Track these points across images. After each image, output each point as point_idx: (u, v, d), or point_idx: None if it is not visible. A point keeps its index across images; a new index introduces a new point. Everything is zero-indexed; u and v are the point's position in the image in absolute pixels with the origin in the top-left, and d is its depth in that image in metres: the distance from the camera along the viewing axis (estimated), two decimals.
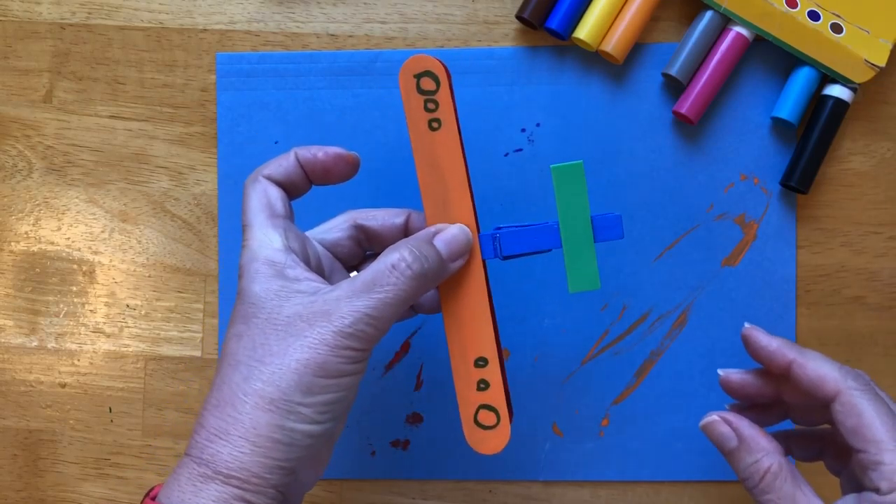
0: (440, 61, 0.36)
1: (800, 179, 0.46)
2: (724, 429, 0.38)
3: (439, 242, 0.36)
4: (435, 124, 0.36)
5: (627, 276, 0.48)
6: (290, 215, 0.37)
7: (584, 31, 0.46)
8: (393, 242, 0.36)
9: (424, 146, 0.37)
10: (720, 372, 0.41)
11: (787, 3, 0.45)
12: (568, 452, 0.48)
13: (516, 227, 0.37)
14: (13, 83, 0.49)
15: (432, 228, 0.37)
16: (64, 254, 0.49)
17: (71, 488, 0.49)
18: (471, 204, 0.37)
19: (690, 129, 0.48)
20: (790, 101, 0.46)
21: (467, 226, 0.37)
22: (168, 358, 0.49)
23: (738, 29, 0.46)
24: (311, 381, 0.32)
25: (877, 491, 0.34)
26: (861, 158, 0.48)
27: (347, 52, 0.48)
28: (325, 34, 0.48)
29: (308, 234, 0.39)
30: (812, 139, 0.46)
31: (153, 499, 0.32)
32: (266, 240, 0.35)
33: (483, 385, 0.37)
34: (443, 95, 0.36)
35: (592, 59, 0.48)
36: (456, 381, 0.37)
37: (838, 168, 0.48)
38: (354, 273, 0.40)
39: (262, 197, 0.36)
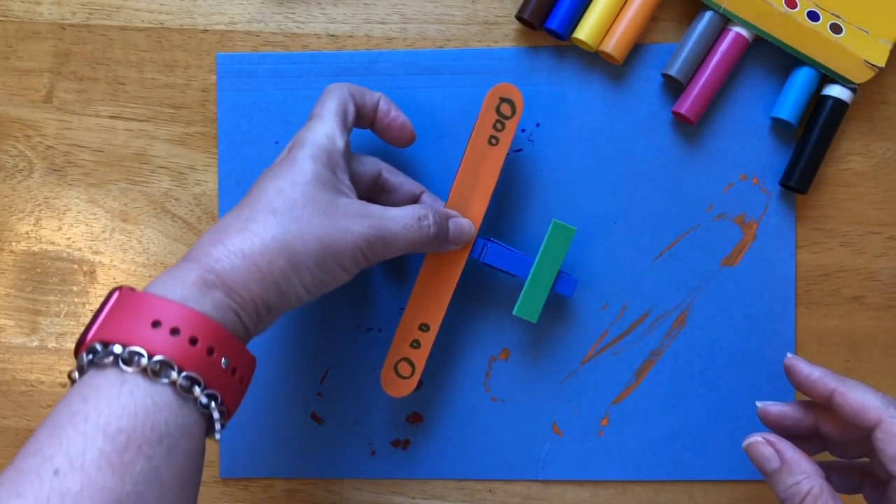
0: (522, 98, 0.44)
1: (799, 179, 0.46)
2: (767, 450, 0.38)
3: (453, 225, 0.42)
4: (494, 141, 0.43)
5: (627, 276, 0.48)
6: (350, 132, 0.42)
7: (584, 31, 0.46)
8: (400, 205, 0.41)
9: (477, 152, 0.43)
10: (758, 404, 0.42)
11: (786, 4, 0.45)
12: (568, 452, 0.48)
13: (504, 246, 0.45)
14: (14, 83, 0.49)
15: (452, 211, 0.43)
16: (64, 254, 0.49)
17: None
18: (484, 209, 0.44)
19: (690, 129, 0.48)
20: (789, 101, 0.46)
21: (475, 222, 0.44)
22: None
23: (737, 29, 0.46)
24: (327, 258, 0.37)
25: None
26: (860, 158, 0.48)
27: (347, 52, 0.48)
28: (326, 34, 0.48)
29: None
30: (811, 139, 0.46)
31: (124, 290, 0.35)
32: (333, 136, 0.39)
33: (415, 344, 0.44)
34: (511, 123, 0.43)
35: (592, 59, 0.48)
36: (397, 332, 0.44)
37: (837, 168, 0.48)
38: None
39: (342, 104, 0.41)
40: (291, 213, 0.36)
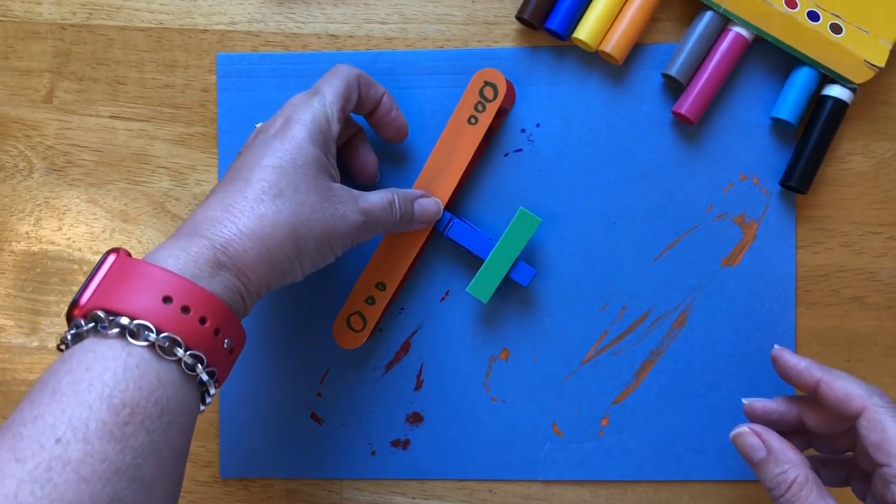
0: (510, 84, 0.46)
1: (799, 179, 0.46)
2: (754, 440, 0.39)
3: (418, 206, 0.44)
4: (473, 121, 0.45)
5: (627, 276, 0.48)
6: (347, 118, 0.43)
7: (584, 31, 0.46)
8: (359, 170, 0.45)
9: (455, 130, 0.45)
10: (744, 401, 0.42)
11: (786, 4, 0.45)
12: (568, 452, 0.48)
13: (470, 225, 0.46)
14: (14, 83, 0.49)
15: (417, 192, 0.44)
16: (65, 254, 0.49)
17: None
18: (454, 185, 0.45)
19: (690, 129, 0.48)
20: (789, 101, 0.46)
21: (443, 195, 0.45)
22: None
23: (737, 29, 0.46)
24: (326, 243, 0.38)
25: None
26: (860, 158, 0.48)
27: (347, 52, 0.48)
28: (326, 35, 0.48)
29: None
30: (811, 139, 0.46)
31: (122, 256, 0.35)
32: (332, 119, 0.40)
33: (370, 301, 0.46)
34: (492, 106, 0.45)
35: (592, 59, 0.48)
36: (355, 287, 0.46)
37: (837, 168, 0.48)
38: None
39: (347, 88, 0.41)
40: (297, 196, 0.37)
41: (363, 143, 0.46)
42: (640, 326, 0.48)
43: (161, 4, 0.48)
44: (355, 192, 0.40)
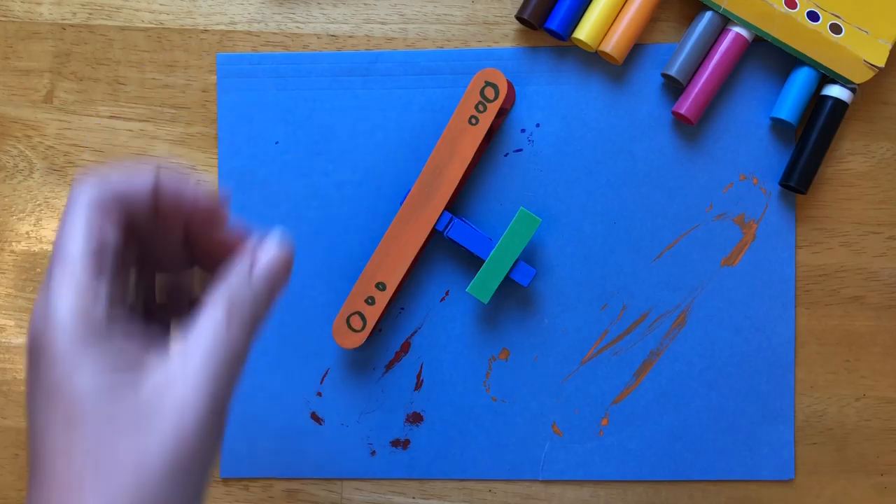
0: (511, 85, 0.46)
1: (799, 179, 0.46)
2: None
3: (259, 278, 0.29)
4: (474, 121, 0.45)
5: (627, 276, 0.48)
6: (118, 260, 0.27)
7: (584, 31, 0.46)
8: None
9: (455, 129, 0.45)
10: None
11: (786, 4, 0.45)
12: (568, 452, 0.48)
13: (470, 225, 0.46)
14: (14, 83, 0.49)
15: (246, 259, 0.29)
16: None
17: None
18: (455, 185, 0.45)
19: (690, 129, 0.48)
20: (789, 101, 0.46)
21: (444, 195, 0.45)
22: None
23: (737, 29, 0.46)
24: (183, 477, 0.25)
25: None
26: (860, 158, 0.48)
27: (348, 52, 0.48)
28: (326, 35, 0.48)
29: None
30: (811, 140, 0.46)
31: None
32: (87, 303, 0.26)
33: (370, 301, 0.46)
34: (493, 106, 0.45)
35: (592, 59, 0.48)
36: (355, 286, 0.46)
37: (837, 168, 0.48)
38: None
39: (91, 234, 0.26)
40: (109, 484, 0.24)
41: (175, 195, 0.29)
42: (640, 326, 0.48)
43: (161, 4, 0.48)
44: (174, 365, 0.26)
